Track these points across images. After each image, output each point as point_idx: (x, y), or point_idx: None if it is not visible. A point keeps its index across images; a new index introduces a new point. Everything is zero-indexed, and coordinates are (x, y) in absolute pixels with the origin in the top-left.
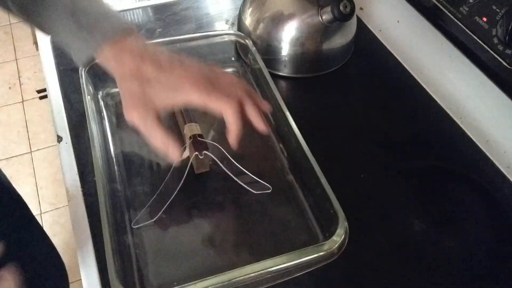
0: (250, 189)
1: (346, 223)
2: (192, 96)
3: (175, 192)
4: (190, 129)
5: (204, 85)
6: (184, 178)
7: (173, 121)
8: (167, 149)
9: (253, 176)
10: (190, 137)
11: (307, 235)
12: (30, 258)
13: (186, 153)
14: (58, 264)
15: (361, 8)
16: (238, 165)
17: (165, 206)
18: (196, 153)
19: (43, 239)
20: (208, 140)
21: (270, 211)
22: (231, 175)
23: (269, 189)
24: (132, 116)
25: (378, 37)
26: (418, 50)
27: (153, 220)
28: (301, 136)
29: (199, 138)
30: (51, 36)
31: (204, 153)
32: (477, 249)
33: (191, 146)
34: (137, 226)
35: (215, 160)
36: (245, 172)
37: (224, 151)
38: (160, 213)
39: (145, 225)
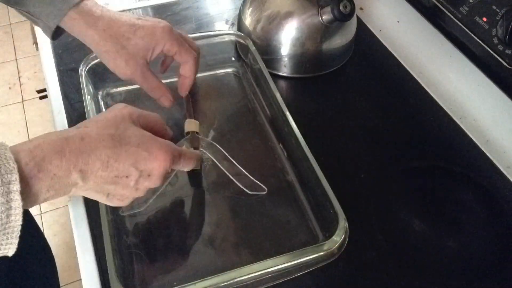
0: (245, 189)
1: (346, 223)
2: (169, 45)
3: (165, 184)
4: (189, 126)
5: (175, 35)
6: (175, 171)
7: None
8: (161, 94)
9: (250, 176)
10: (187, 133)
11: (307, 235)
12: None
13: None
14: (47, 254)
15: (361, 8)
16: (236, 164)
17: (154, 197)
18: (192, 149)
19: (33, 228)
20: (207, 139)
21: (270, 211)
22: (228, 174)
23: (264, 190)
24: (126, 71)
25: (378, 37)
26: (418, 50)
27: (141, 209)
28: (301, 136)
29: (196, 135)
30: (20, 7)
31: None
32: (477, 249)
33: (187, 142)
34: (124, 214)
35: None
36: (243, 172)
37: (223, 151)
38: (148, 203)
39: (133, 214)
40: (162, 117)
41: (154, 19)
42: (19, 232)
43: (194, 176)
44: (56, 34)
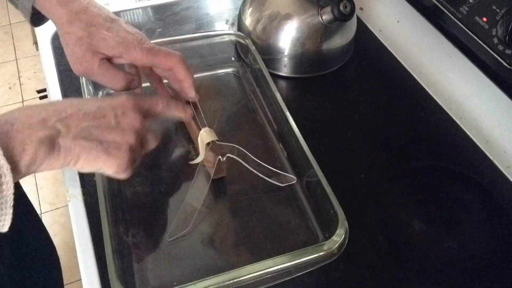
0: (277, 183)
1: (346, 223)
2: (140, 55)
3: (203, 198)
4: (207, 135)
5: (149, 45)
6: (210, 183)
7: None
8: (130, 81)
9: (277, 170)
10: (209, 143)
11: (307, 235)
12: (24, 245)
13: (199, 159)
14: (53, 255)
15: (361, 8)
16: (258, 161)
17: (196, 213)
18: (219, 157)
19: (39, 229)
20: (228, 144)
21: (270, 211)
22: (258, 173)
23: (294, 180)
24: (80, 64)
25: (378, 37)
26: (418, 50)
27: (187, 230)
28: (301, 136)
29: (218, 143)
30: None
31: (226, 157)
32: (477, 249)
33: (211, 151)
34: (172, 238)
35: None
36: (269, 168)
37: (244, 150)
38: (191, 224)
39: (180, 236)
40: (166, 124)
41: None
42: (13, 202)
43: (216, 181)
44: (37, 19)
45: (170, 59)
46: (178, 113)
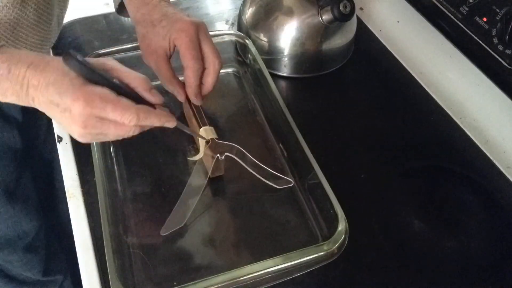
0: (273, 185)
1: (346, 223)
2: (181, 42)
3: (199, 196)
4: (206, 133)
5: (194, 36)
6: (207, 181)
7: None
8: (173, 88)
9: (274, 172)
10: (208, 141)
11: (307, 235)
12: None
13: (199, 156)
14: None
15: (361, 8)
16: (257, 162)
17: (191, 210)
18: (218, 155)
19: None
20: (227, 142)
21: (270, 211)
22: (256, 174)
23: (290, 183)
24: (144, 57)
25: (378, 37)
26: (418, 50)
27: (181, 225)
28: (301, 136)
29: (217, 141)
30: None
31: (225, 155)
32: (477, 249)
33: (210, 149)
34: (166, 233)
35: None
36: (266, 169)
37: (243, 150)
38: (187, 218)
39: (175, 231)
40: None
41: (188, 16)
42: None
43: (216, 181)
44: (120, 9)
45: (190, 60)
46: (157, 122)
